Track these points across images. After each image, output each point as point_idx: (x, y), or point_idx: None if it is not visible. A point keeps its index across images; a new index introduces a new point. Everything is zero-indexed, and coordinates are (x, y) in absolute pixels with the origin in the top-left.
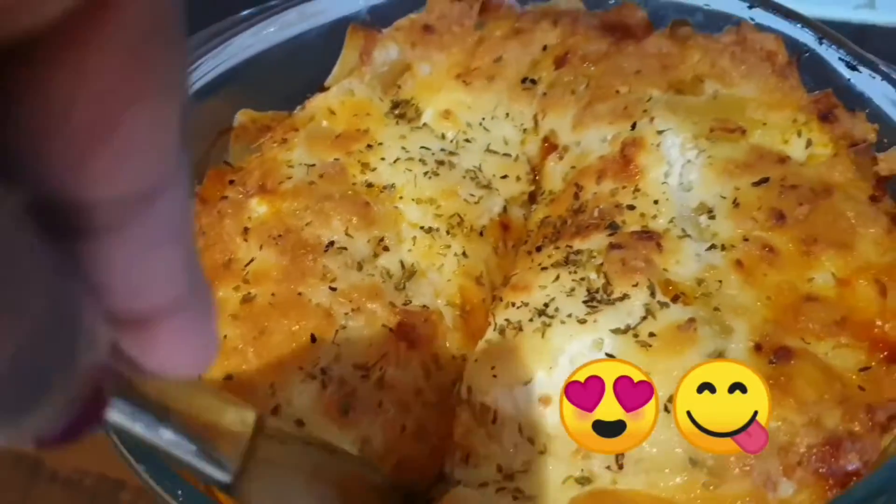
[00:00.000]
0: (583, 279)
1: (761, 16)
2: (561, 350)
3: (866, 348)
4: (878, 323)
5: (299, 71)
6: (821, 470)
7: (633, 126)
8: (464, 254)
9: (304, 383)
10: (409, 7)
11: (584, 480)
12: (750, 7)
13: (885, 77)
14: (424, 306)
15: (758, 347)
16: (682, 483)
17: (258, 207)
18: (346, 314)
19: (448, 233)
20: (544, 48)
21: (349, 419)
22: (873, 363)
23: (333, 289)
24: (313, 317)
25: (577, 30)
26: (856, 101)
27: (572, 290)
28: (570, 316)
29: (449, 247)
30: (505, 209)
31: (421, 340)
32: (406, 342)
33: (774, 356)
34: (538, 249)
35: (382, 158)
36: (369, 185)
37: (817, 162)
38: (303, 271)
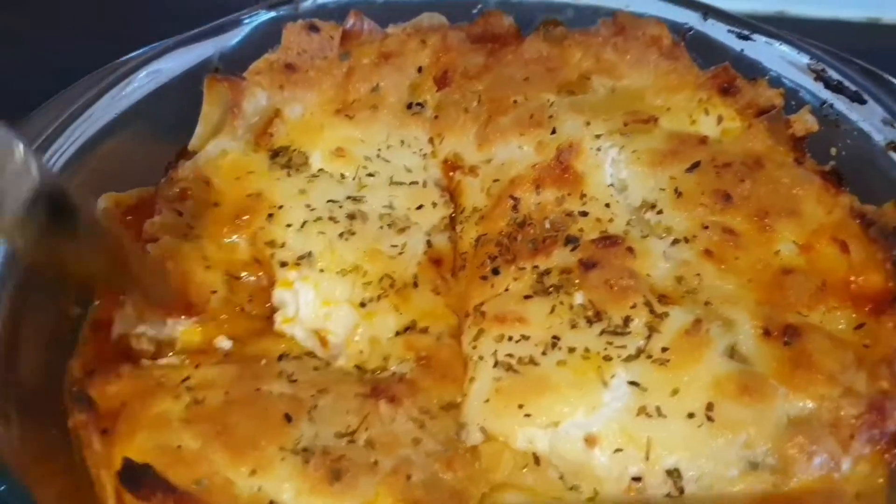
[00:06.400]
0: (573, 308)
1: (637, 3)
2: (601, 386)
3: (851, 306)
4: (852, 279)
5: (149, 139)
6: (874, 436)
7: (554, 131)
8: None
9: (286, 461)
10: (260, 47)
11: None
12: None
13: (784, 40)
14: (394, 373)
15: (766, 332)
16: (746, 488)
17: (177, 330)
18: (313, 396)
19: (379, 298)
20: (419, 69)
21: (343, 484)
22: (864, 319)
23: (294, 381)
24: (280, 402)
25: (448, 46)
26: (753, 70)
27: (573, 322)
28: (587, 350)
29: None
30: (429, 243)
31: (401, 395)
32: (386, 398)
33: (786, 336)
34: (495, 272)
35: (289, 225)
36: (283, 265)
37: (732, 136)
38: (256, 374)
